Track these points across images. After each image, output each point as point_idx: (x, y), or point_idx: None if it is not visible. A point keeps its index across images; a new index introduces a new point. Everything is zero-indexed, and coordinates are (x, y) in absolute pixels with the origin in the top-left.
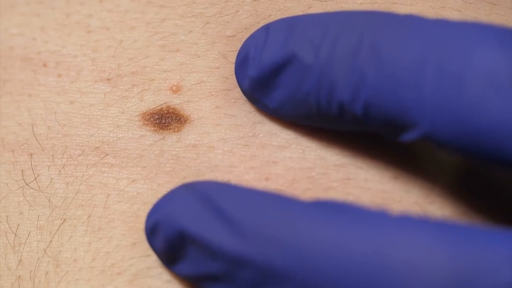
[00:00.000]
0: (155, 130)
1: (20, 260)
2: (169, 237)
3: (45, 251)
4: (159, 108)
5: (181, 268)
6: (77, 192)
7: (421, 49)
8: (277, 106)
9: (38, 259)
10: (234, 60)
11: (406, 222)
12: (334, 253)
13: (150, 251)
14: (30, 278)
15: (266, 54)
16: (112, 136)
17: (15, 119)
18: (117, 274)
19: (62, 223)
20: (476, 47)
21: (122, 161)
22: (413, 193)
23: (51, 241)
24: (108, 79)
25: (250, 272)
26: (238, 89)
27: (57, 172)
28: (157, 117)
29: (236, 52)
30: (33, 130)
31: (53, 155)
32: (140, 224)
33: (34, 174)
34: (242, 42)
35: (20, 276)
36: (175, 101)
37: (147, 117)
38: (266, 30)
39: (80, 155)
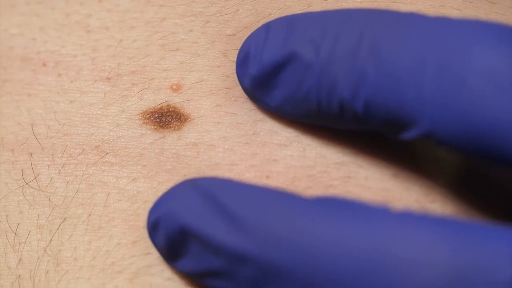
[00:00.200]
0: (155, 128)
1: (20, 259)
2: (170, 233)
3: (45, 250)
4: (159, 106)
5: (182, 264)
6: (77, 191)
7: (421, 47)
8: (278, 105)
9: (38, 258)
10: (234, 59)
11: (406, 218)
12: (335, 250)
13: (151, 249)
14: (30, 277)
15: (267, 53)
16: (112, 135)
17: (15, 119)
18: (117, 273)
19: (62, 222)
20: (476, 46)
21: (122, 160)
22: (413, 191)
23: (51, 240)
24: (108, 78)
25: (252, 268)
26: (239, 87)
27: (57, 171)
28: (157, 115)
29: (237, 51)
30: (32, 130)
31: (53, 154)
32: (141, 222)
33: (34, 173)
34: (242, 41)
35: (20, 275)
36: (175, 100)
37: (147, 115)
38: (267, 28)
39: (80, 154)
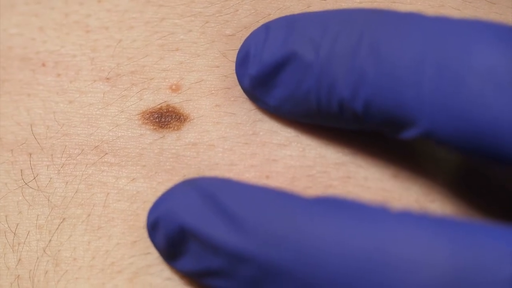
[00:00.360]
0: (155, 128)
1: (19, 260)
2: (170, 233)
3: (44, 251)
4: (158, 106)
5: (182, 264)
6: (76, 191)
7: (420, 47)
8: (278, 104)
9: (37, 258)
10: (233, 59)
11: (406, 218)
12: (335, 250)
13: (150, 249)
14: (29, 277)
15: (267, 53)
16: (111, 135)
17: (14, 119)
18: (117, 273)
19: (61, 222)
20: (475, 45)
21: (122, 160)
22: (413, 191)
23: (50, 240)
24: (107, 79)
25: (251, 268)
26: (238, 87)
27: (56, 172)
28: (156, 115)
29: (236, 51)
30: (32, 130)
31: (52, 155)
32: (140, 222)
33: (33, 173)
34: (241, 41)
35: (19, 275)
36: (175, 100)
37: (147, 116)
38: (266, 28)
39: (79, 154)
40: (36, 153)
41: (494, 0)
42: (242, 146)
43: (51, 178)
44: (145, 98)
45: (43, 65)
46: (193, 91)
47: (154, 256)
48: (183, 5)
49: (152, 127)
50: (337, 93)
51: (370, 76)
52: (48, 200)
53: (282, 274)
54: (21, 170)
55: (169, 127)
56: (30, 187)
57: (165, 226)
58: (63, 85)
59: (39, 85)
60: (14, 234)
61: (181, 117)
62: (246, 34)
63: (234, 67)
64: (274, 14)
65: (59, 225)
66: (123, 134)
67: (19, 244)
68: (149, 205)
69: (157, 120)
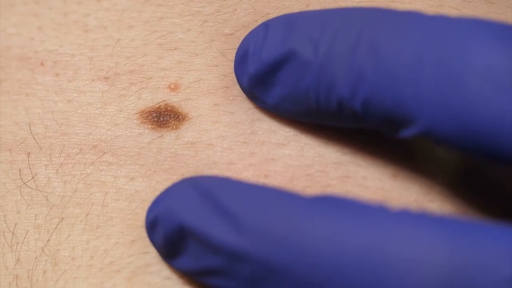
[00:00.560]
0: (153, 128)
1: (18, 259)
2: (169, 232)
3: (42, 250)
4: (157, 106)
5: (180, 262)
6: (75, 191)
7: (419, 45)
8: (276, 103)
9: (36, 258)
10: (232, 58)
11: (405, 217)
12: (334, 249)
13: (149, 248)
14: (28, 277)
15: (265, 51)
16: (110, 134)
17: (13, 118)
18: (115, 272)
19: (60, 221)
20: (474, 44)
21: (120, 159)
22: (412, 191)
23: (49, 240)
24: (106, 78)
25: (250, 267)
26: (237, 86)
27: (54, 171)
28: (155, 115)
29: (235, 50)
30: (30, 129)
31: (50, 154)
32: (139, 221)
33: (31, 173)
34: (240, 40)
35: (17, 275)
36: (173, 99)
37: (145, 115)
38: (265, 27)
39: (77, 153)
40: (34, 153)
41: (493, 0)
42: (240, 145)
43: (49, 178)
44: (144, 97)
45: (42, 64)
46: (192, 90)
47: (152, 255)
48: (181, 4)
49: (150, 126)
50: (336, 91)
51: (369, 75)
52: (47, 199)
53: (281, 273)
54: (20, 170)
55: (168, 126)
56: (29, 187)
57: (164, 225)
58: (62, 84)
59: (37, 85)
60: (13, 233)
61: (180, 116)
62: (245, 33)
63: (232, 66)
64: (273, 13)
65: (57, 225)
66: (121, 133)
67: (17, 243)
68: (147, 204)
69: (155, 119)
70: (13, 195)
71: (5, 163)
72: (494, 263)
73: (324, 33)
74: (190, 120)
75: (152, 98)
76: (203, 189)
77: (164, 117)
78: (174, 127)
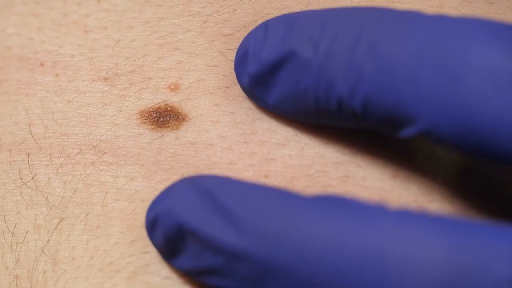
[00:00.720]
0: (153, 128)
1: (18, 260)
2: (168, 231)
3: (42, 250)
4: (157, 106)
5: (180, 262)
6: (74, 191)
7: (419, 45)
8: (276, 103)
9: (36, 258)
10: (232, 58)
11: (405, 217)
12: (334, 249)
13: (149, 248)
14: (28, 277)
15: (265, 51)
16: (109, 134)
17: (12, 119)
18: (115, 272)
19: (59, 222)
20: (474, 44)
21: (120, 160)
22: (412, 191)
23: (48, 240)
24: (106, 78)
25: (250, 266)
26: (237, 86)
27: (54, 171)
28: (155, 115)
29: (235, 50)
30: (30, 130)
31: (50, 154)
32: (138, 221)
33: (31, 173)
34: (240, 40)
35: (17, 275)
36: (173, 99)
37: (145, 115)
38: (265, 27)
39: (77, 154)
40: (34, 153)
41: (493, 0)
42: (241, 145)
43: (49, 178)
44: (144, 98)
45: (42, 65)
46: (192, 91)
47: (152, 255)
48: (181, 4)
49: (150, 126)
50: (336, 91)
51: (369, 74)
52: (47, 199)
53: (281, 272)
54: (20, 170)
55: (168, 127)
56: (29, 187)
57: (164, 224)
58: (62, 85)
59: (37, 85)
60: (13, 234)
61: (180, 116)
62: (244, 33)
63: (232, 67)
64: (273, 13)
65: (57, 225)
66: (121, 133)
67: (17, 244)
68: (147, 204)
69: (155, 120)
70: (13, 195)
71: (5, 164)
72: (493, 263)
73: (323, 33)
74: (190, 120)
75: (152, 99)
76: (203, 189)
77: (164, 117)
78: (174, 127)
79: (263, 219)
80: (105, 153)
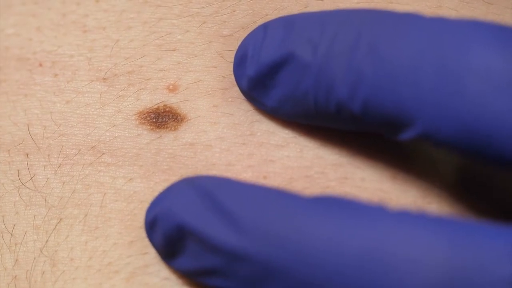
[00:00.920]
0: (152, 129)
1: (16, 260)
2: (168, 232)
3: (41, 251)
4: (155, 107)
5: (179, 262)
6: (73, 192)
7: (418, 47)
8: (276, 105)
9: (34, 258)
10: (231, 60)
11: (405, 217)
12: (333, 249)
13: (147, 249)
14: (26, 278)
15: (264, 53)
16: (108, 135)
17: (11, 119)
18: (114, 273)
19: (58, 222)
20: (474, 45)
21: (119, 160)
22: (410, 193)
23: (47, 241)
24: (104, 79)
25: (249, 267)
26: (236, 88)
27: (53, 172)
28: (153, 116)
29: (233, 52)
30: (29, 130)
31: (49, 155)
32: (137, 222)
33: (30, 173)
34: (239, 41)
35: (16, 276)
36: (172, 100)
37: (144, 116)
38: (264, 28)
39: (76, 154)
40: (33, 153)
41: (491, 1)
42: (239, 147)
43: (48, 179)
44: (142, 98)
45: (40, 65)
46: (191, 92)
47: (151, 256)
48: (180, 5)
49: (149, 127)
50: (335, 93)
51: (368, 76)
52: (45, 200)
53: (281, 273)
54: (18, 171)
55: (166, 127)
56: (27, 188)
57: (163, 225)
58: (60, 85)
59: (36, 85)
60: (11, 234)
61: (178, 117)
62: (243, 34)
63: (231, 68)
64: (272, 14)
65: (56, 226)
66: (120, 134)
67: (16, 244)
68: (146, 205)
69: (154, 120)
70: (11, 195)
71: (4, 164)
72: (493, 263)
73: (323, 34)
74: (188, 121)
75: (151, 99)
76: (202, 189)
77: (162, 118)
78: (172, 128)
79: (263, 220)
80: (103, 153)
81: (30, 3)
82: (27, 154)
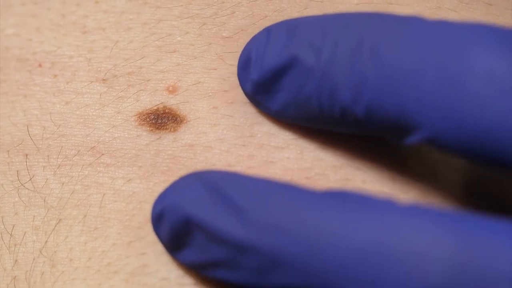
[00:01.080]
0: (151, 130)
1: (16, 261)
2: (175, 224)
3: (40, 252)
4: (155, 108)
5: (185, 255)
6: (72, 192)
7: (421, 50)
8: (280, 109)
9: (34, 259)
10: (231, 62)
11: (413, 211)
12: (340, 242)
13: (146, 249)
14: (26, 278)
15: (268, 57)
16: (107, 136)
17: (11, 120)
18: (113, 273)
19: (57, 223)
20: (476, 49)
21: (118, 161)
22: (411, 194)
23: (46, 241)
24: (104, 80)
25: (255, 259)
26: (236, 90)
27: (52, 172)
28: (153, 117)
29: (233, 53)
30: (28, 131)
31: (48, 156)
32: (136, 223)
33: (29, 174)
34: (238, 43)
35: (15, 276)
36: (172, 102)
37: (143, 117)
38: (268, 32)
39: (75, 155)
40: (32, 154)
41: (491, 2)
42: (239, 148)
43: (47, 179)
44: (142, 99)
45: (40, 66)
46: (190, 93)
47: (150, 256)
48: (180, 6)
49: (148, 128)
50: (339, 97)
51: (371, 80)
52: (44, 201)
53: (287, 265)
54: (17, 171)
55: (166, 129)
56: (26, 188)
57: (170, 218)
58: (60, 86)
59: (35, 86)
60: (11, 235)
61: (178, 118)
62: (243, 36)
63: (231, 70)
64: (271, 16)
65: (55, 226)
66: (119, 135)
67: (15, 245)
68: (145, 206)
69: (153, 121)
70: (11, 196)
71: (3, 165)
72: (500, 257)
73: (326, 38)
74: (188, 123)
75: (150, 100)
76: (210, 183)
77: (162, 119)
78: (172, 129)
79: (270, 212)
80: (103, 154)
81: (29, 4)
82: (27, 155)
